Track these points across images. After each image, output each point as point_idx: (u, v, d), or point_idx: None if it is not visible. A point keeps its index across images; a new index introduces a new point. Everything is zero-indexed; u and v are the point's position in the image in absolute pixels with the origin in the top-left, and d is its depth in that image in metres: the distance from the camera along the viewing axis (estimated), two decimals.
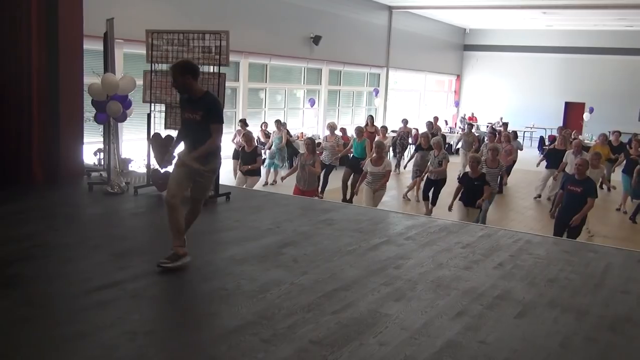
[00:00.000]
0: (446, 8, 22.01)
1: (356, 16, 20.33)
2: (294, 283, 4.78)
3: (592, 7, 19.21)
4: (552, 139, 23.99)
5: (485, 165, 9.93)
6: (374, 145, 10.42)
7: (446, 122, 25.18)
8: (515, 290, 4.92)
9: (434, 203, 11.27)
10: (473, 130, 17.88)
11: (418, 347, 3.77)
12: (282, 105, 18.61)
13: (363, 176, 9.83)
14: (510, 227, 8.91)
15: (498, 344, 3.89)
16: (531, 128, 25.64)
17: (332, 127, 13.42)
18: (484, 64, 28.71)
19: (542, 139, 23.23)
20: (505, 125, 19.68)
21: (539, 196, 13.54)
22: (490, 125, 25.09)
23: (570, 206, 8.13)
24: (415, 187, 12.78)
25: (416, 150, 13.09)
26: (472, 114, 27.00)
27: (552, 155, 13.28)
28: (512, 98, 27.62)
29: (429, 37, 25.56)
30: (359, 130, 12.63)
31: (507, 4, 20.01)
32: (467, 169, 9.46)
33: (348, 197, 11.84)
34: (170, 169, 7.94)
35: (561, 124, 26.76)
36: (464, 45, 29.20)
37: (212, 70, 7.68)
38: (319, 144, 16.95)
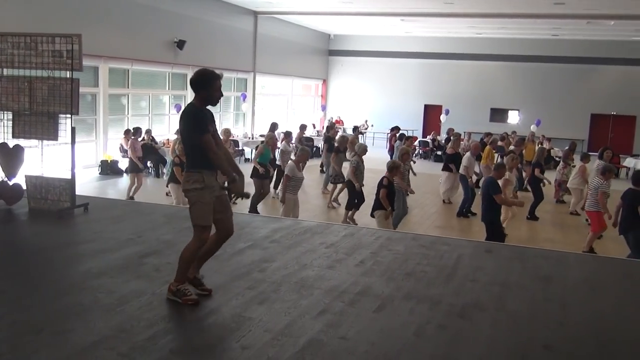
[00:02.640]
0: (309, 14, 22.45)
1: (221, 21, 20.20)
2: (155, 293, 4.66)
3: (444, 15, 20.49)
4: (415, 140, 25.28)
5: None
6: (298, 152, 10.08)
7: (314, 125, 25.71)
8: (375, 285, 5.13)
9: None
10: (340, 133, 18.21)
11: (281, 348, 3.81)
12: (147, 111, 18.05)
13: (285, 182, 9.45)
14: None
15: (357, 338, 4.03)
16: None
17: (227, 134, 12.29)
18: (349, 68, 29.63)
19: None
20: (398, 129, 19.11)
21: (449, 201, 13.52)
22: (356, 127, 25.95)
23: None
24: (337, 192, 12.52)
25: (335, 152, 12.67)
26: (339, 117, 27.77)
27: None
28: (377, 101, 28.76)
29: (294, 43, 25.96)
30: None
31: (366, 11, 20.78)
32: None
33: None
34: (19, 179, 7.52)
35: (421, 126, 28.37)
36: (329, 51, 29.95)
37: (64, 76, 7.28)
38: None
